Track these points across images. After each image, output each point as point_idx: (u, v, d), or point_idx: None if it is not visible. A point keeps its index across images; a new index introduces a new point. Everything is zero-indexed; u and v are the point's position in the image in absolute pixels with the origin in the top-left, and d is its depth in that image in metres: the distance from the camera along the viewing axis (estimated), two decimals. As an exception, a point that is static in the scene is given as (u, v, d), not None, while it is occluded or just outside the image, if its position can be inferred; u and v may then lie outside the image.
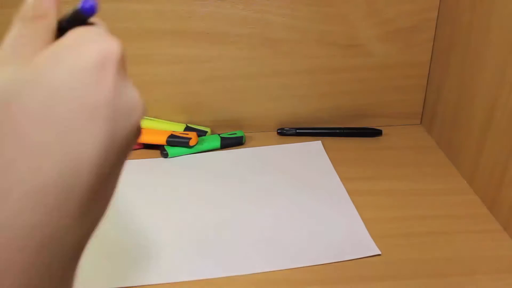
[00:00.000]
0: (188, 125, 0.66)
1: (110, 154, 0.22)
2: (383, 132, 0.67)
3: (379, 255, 0.45)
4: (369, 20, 0.61)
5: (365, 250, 0.45)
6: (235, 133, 0.65)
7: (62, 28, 0.26)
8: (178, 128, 0.65)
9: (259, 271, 0.43)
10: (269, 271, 0.43)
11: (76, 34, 0.24)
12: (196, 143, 0.63)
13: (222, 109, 0.67)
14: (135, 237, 0.48)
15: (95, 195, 0.22)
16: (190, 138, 0.62)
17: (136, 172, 0.60)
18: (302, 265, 0.44)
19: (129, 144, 0.24)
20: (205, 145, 0.63)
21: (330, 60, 0.64)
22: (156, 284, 0.42)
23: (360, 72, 0.65)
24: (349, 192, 0.54)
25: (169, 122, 0.66)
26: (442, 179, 0.56)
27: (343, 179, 0.56)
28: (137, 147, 0.65)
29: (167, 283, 0.42)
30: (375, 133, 0.67)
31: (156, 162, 0.62)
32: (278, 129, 0.68)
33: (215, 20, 0.60)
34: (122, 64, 0.26)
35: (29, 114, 0.20)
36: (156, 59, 0.62)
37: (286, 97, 0.66)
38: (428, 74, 0.66)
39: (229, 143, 0.64)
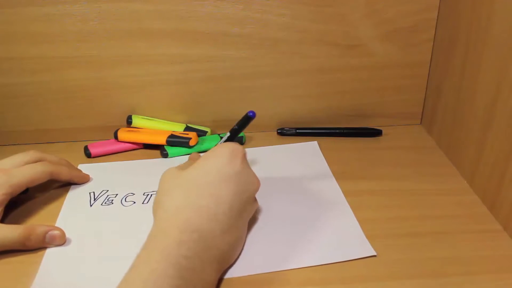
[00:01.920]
0: (188, 125, 0.66)
1: (237, 203, 0.42)
2: (383, 132, 0.67)
3: (375, 256, 0.45)
4: (369, 20, 0.61)
5: (360, 251, 0.45)
6: None
7: (234, 130, 0.53)
8: (178, 128, 0.65)
9: (255, 273, 0.43)
10: (265, 273, 0.43)
11: (220, 144, 0.47)
12: (196, 143, 0.63)
13: (222, 109, 0.67)
14: (135, 238, 0.48)
15: (229, 225, 0.41)
16: (190, 138, 0.62)
17: (136, 172, 0.60)
18: (297, 267, 0.44)
19: (247, 204, 0.44)
20: (205, 145, 0.63)
21: (330, 60, 0.64)
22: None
23: (360, 72, 0.65)
24: (349, 192, 0.54)
25: (169, 122, 0.66)
26: (442, 179, 0.56)
27: (343, 179, 0.56)
28: (137, 147, 0.65)
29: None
30: (375, 133, 0.67)
31: (156, 162, 0.62)
32: (278, 129, 0.68)
33: (215, 20, 0.60)
34: (245, 157, 0.45)
35: (198, 182, 0.42)
36: (156, 59, 0.62)
37: (286, 97, 0.66)
38: (428, 74, 0.66)
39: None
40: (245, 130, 0.67)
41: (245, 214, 0.44)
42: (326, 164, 0.60)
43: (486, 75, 0.50)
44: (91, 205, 0.53)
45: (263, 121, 0.68)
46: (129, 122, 0.65)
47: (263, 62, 0.63)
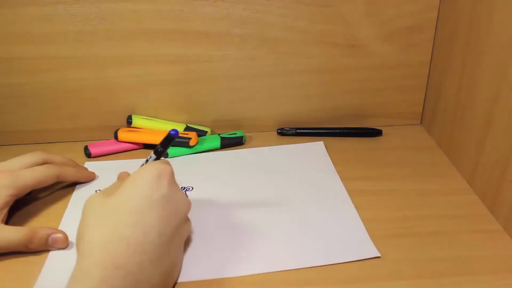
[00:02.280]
0: (188, 125, 0.66)
1: (166, 229, 0.39)
2: (383, 132, 0.67)
3: (378, 257, 0.45)
4: (369, 20, 0.61)
5: (364, 252, 0.45)
6: (235, 133, 0.65)
7: (158, 151, 0.47)
8: (178, 128, 0.65)
9: (257, 272, 0.43)
10: (268, 272, 0.43)
11: (145, 165, 0.42)
12: (196, 143, 0.63)
13: (222, 109, 0.67)
14: None
15: (160, 253, 0.38)
16: (190, 138, 0.62)
17: (132, 169, 0.60)
18: (300, 267, 0.44)
19: (179, 227, 0.41)
20: (205, 145, 0.63)
21: (330, 60, 0.64)
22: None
23: (360, 72, 0.65)
24: (349, 192, 0.54)
25: (169, 122, 0.66)
26: (442, 179, 0.56)
27: (343, 179, 0.56)
28: (137, 147, 0.65)
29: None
30: (375, 133, 0.67)
31: None
32: (278, 129, 0.68)
33: (215, 20, 0.60)
34: (173, 178, 0.42)
35: (121, 211, 0.39)
36: (156, 59, 0.62)
37: (286, 97, 0.66)
38: (428, 74, 0.66)
39: (229, 143, 0.64)
40: (245, 130, 0.68)
41: (178, 238, 0.41)
42: (332, 165, 0.60)
43: (486, 75, 0.50)
44: None
45: (263, 121, 0.68)
46: (129, 122, 0.65)
47: (263, 62, 0.63)
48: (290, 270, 0.43)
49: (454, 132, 0.59)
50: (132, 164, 0.61)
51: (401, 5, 0.60)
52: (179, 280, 0.43)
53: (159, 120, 0.66)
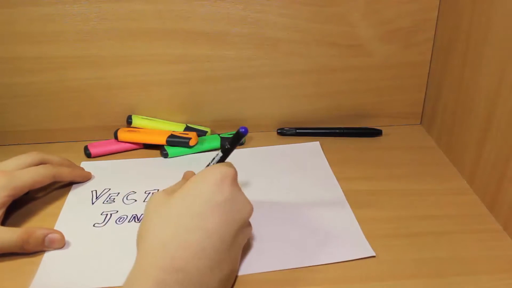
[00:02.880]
0: (188, 125, 0.66)
1: (227, 233, 0.38)
2: (383, 132, 0.67)
3: (373, 256, 0.44)
4: (369, 19, 0.61)
5: (359, 252, 0.45)
6: None
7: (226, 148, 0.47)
8: (178, 128, 0.65)
9: (251, 272, 0.43)
10: (263, 272, 0.43)
11: (210, 167, 0.42)
12: (196, 143, 0.63)
13: (222, 109, 0.67)
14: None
15: (220, 259, 0.38)
16: (190, 138, 0.62)
17: (137, 171, 0.60)
18: (295, 267, 0.43)
19: (239, 232, 0.41)
20: (205, 145, 0.63)
21: (330, 60, 0.64)
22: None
23: (360, 72, 0.65)
24: (349, 192, 0.54)
25: (169, 122, 0.66)
26: (441, 179, 0.56)
27: (343, 179, 0.56)
28: (137, 147, 0.65)
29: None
30: (375, 133, 0.67)
31: (156, 162, 0.62)
32: (278, 129, 0.68)
33: (215, 20, 0.60)
34: (235, 181, 0.42)
35: (184, 213, 0.38)
36: (156, 59, 0.62)
37: (286, 97, 0.66)
38: (428, 74, 0.66)
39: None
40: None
41: (237, 244, 0.41)
42: (328, 164, 0.60)
43: (486, 75, 0.50)
44: (92, 203, 0.54)
45: (263, 121, 0.68)
46: (129, 122, 0.65)
47: (263, 62, 0.63)
48: (284, 270, 0.43)
49: (454, 132, 0.59)
50: (130, 164, 0.61)
51: (401, 5, 0.60)
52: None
53: (159, 120, 0.66)
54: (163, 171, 0.60)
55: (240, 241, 0.42)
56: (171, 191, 0.41)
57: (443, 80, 0.61)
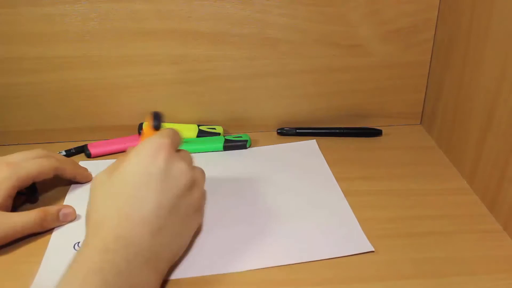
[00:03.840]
0: (200, 128, 0.66)
1: (164, 200, 0.41)
2: (383, 132, 0.67)
3: (372, 251, 0.45)
4: (369, 20, 0.61)
5: (357, 247, 0.45)
6: (241, 136, 0.65)
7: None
8: (191, 133, 0.65)
9: (253, 268, 0.43)
10: (262, 268, 0.43)
11: (144, 141, 0.44)
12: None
13: (221, 109, 0.67)
14: None
15: (160, 225, 0.40)
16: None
17: None
18: (293, 262, 0.44)
19: (181, 199, 0.42)
20: (208, 146, 0.63)
21: (330, 60, 0.64)
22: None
23: (360, 72, 0.65)
24: (349, 192, 0.54)
25: (182, 124, 0.66)
26: (441, 179, 0.56)
27: (343, 179, 0.56)
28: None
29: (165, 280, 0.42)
30: (375, 133, 0.67)
31: None
32: (278, 129, 0.68)
33: (215, 20, 0.60)
34: (173, 149, 0.43)
35: (120, 188, 0.41)
36: (156, 59, 0.62)
37: (286, 97, 0.66)
38: (428, 74, 0.66)
39: (231, 145, 0.64)
40: (245, 130, 0.68)
41: (181, 210, 0.42)
42: (325, 161, 0.60)
43: (486, 75, 0.50)
44: None
45: (263, 121, 0.68)
46: (140, 132, 0.64)
47: (263, 62, 0.63)
48: (283, 266, 0.44)
49: (454, 132, 0.59)
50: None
51: (401, 5, 0.60)
52: (176, 277, 0.43)
53: (171, 124, 0.66)
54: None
55: (185, 207, 0.43)
56: (112, 169, 0.43)
57: (443, 80, 0.61)
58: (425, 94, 0.67)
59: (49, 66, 0.61)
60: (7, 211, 0.48)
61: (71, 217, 0.50)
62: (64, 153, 0.64)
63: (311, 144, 0.65)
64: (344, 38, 0.62)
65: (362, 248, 0.45)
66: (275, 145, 0.65)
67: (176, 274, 0.43)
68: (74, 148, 0.64)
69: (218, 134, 0.65)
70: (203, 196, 0.47)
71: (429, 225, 0.49)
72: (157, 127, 0.47)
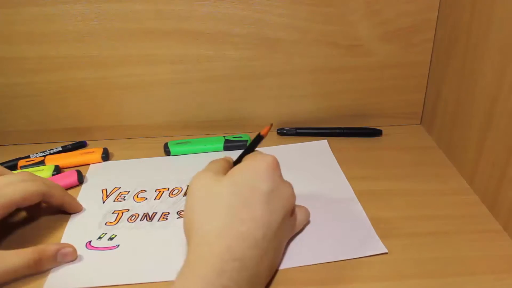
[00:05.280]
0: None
1: (273, 221, 0.39)
2: (383, 132, 0.67)
3: (386, 253, 0.45)
4: (369, 20, 0.61)
5: (371, 249, 0.45)
6: (241, 136, 0.65)
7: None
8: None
9: None
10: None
11: (254, 155, 0.45)
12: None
13: (221, 109, 0.67)
14: (150, 236, 0.49)
15: (268, 247, 0.39)
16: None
17: (143, 170, 0.61)
18: (307, 264, 0.44)
19: (285, 221, 0.41)
20: (209, 147, 0.63)
21: (329, 60, 0.64)
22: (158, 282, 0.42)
23: (360, 72, 0.65)
24: (349, 192, 0.54)
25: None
26: (441, 179, 0.56)
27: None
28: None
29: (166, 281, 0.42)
30: (375, 133, 0.67)
31: (160, 160, 0.62)
32: (278, 129, 0.68)
33: (215, 20, 0.60)
34: (280, 170, 0.43)
35: (236, 202, 0.39)
36: (156, 59, 0.62)
37: (286, 97, 0.66)
38: (428, 74, 0.66)
39: (231, 146, 0.64)
40: (245, 130, 0.68)
41: (282, 233, 0.42)
42: (336, 162, 0.60)
43: (486, 75, 0.50)
44: (103, 202, 0.54)
45: (263, 121, 0.68)
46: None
47: (263, 62, 0.63)
48: (296, 267, 0.43)
49: (454, 132, 0.59)
50: (136, 163, 0.62)
51: (401, 5, 0.60)
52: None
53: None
54: (169, 169, 0.60)
55: (285, 230, 0.42)
56: (216, 173, 0.42)
57: (443, 80, 0.61)
58: (425, 94, 0.67)
59: (49, 66, 0.61)
60: None
61: (71, 257, 0.44)
62: (60, 148, 0.64)
63: (322, 144, 0.65)
64: (344, 38, 0.62)
65: (375, 250, 0.45)
66: (284, 145, 0.65)
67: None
68: (71, 144, 0.65)
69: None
70: (297, 224, 0.46)
71: (429, 225, 0.49)
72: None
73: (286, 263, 0.44)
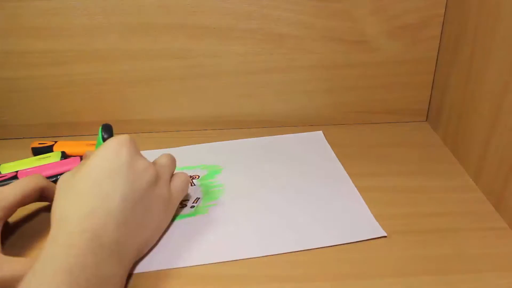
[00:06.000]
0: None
1: (129, 194, 0.41)
2: (387, 129, 0.67)
3: (385, 237, 0.45)
4: (376, 16, 0.61)
5: (370, 232, 0.46)
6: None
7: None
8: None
9: (261, 255, 0.44)
10: (270, 255, 0.44)
11: (107, 140, 0.45)
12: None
13: (226, 104, 0.67)
14: None
15: (126, 217, 0.41)
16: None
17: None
18: (304, 248, 0.44)
19: (146, 192, 0.43)
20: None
21: (335, 56, 0.63)
22: (158, 271, 0.42)
23: (365, 68, 0.65)
24: (354, 189, 0.54)
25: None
26: (447, 177, 0.56)
27: (348, 175, 0.56)
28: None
29: (165, 270, 0.42)
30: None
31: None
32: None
33: (221, 15, 0.60)
34: (134, 145, 0.45)
35: (84, 185, 0.41)
36: (161, 53, 0.62)
37: (291, 93, 0.66)
38: (435, 70, 0.65)
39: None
40: (250, 125, 0.68)
41: (145, 202, 0.43)
42: (332, 151, 0.61)
43: (493, 72, 0.50)
44: None
45: (268, 116, 0.68)
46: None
47: (268, 57, 0.63)
48: (292, 252, 0.44)
49: (460, 129, 0.58)
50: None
51: (408, 1, 0.60)
52: (184, 265, 0.43)
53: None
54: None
55: (149, 202, 0.43)
56: (77, 168, 0.44)
57: (449, 77, 0.61)
58: (431, 91, 0.67)
59: (54, 60, 0.61)
60: None
61: None
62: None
63: (317, 135, 0.65)
64: (350, 34, 0.62)
65: (374, 233, 0.46)
66: (278, 136, 0.66)
67: (177, 263, 0.43)
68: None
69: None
70: (174, 192, 0.48)
71: (434, 222, 0.48)
72: (107, 138, 0.49)
73: (281, 249, 0.44)
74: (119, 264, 0.39)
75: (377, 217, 0.49)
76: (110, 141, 0.44)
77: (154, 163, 0.47)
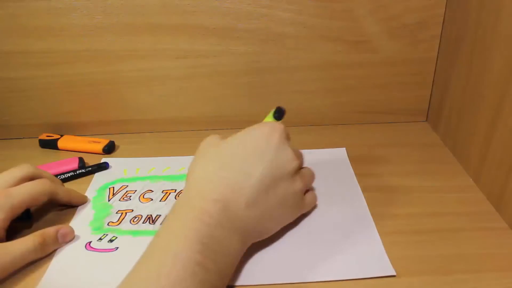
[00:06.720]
0: None
1: (267, 180, 0.42)
2: (388, 128, 0.66)
3: (394, 276, 0.42)
4: (376, 16, 0.61)
5: (379, 270, 0.43)
6: None
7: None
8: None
9: (269, 283, 0.42)
10: (278, 284, 0.42)
11: (262, 122, 0.47)
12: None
13: (226, 104, 0.67)
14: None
15: (257, 199, 0.41)
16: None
17: (154, 170, 0.60)
18: (312, 280, 0.42)
19: (281, 181, 0.43)
20: None
21: (336, 56, 0.63)
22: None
23: (366, 68, 0.65)
24: (354, 189, 0.54)
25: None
26: (447, 177, 0.56)
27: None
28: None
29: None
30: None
31: (176, 160, 0.62)
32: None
33: (221, 15, 0.60)
34: (285, 135, 0.45)
35: (230, 154, 0.43)
36: (162, 53, 0.62)
37: (292, 93, 0.66)
38: (435, 70, 0.65)
39: None
40: (251, 125, 0.67)
41: (279, 191, 0.43)
42: (353, 173, 0.57)
43: (493, 72, 0.50)
44: (109, 200, 0.54)
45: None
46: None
47: (269, 57, 0.63)
48: (304, 283, 0.42)
49: (460, 130, 0.58)
50: (149, 162, 0.61)
51: (408, 1, 0.60)
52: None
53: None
54: (179, 170, 0.59)
55: (282, 190, 0.43)
56: (223, 136, 0.46)
57: (449, 77, 0.61)
58: (431, 91, 0.67)
59: (54, 60, 0.61)
60: (2, 240, 0.44)
61: (70, 237, 0.46)
62: (72, 173, 0.59)
63: (340, 152, 0.62)
64: (350, 34, 0.62)
65: (383, 271, 0.42)
66: (301, 150, 0.62)
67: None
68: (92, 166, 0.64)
69: None
70: (308, 195, 0.48)
71: (434, 222, 0.48)
72: (277, 119, 0.49)
73: (288, 278, 0.42)
74: (241, 242, 0.40)
75: (376, 217, 0.49)
76: (265, 124, 0.45)
77: (301, 162, 0.47)
